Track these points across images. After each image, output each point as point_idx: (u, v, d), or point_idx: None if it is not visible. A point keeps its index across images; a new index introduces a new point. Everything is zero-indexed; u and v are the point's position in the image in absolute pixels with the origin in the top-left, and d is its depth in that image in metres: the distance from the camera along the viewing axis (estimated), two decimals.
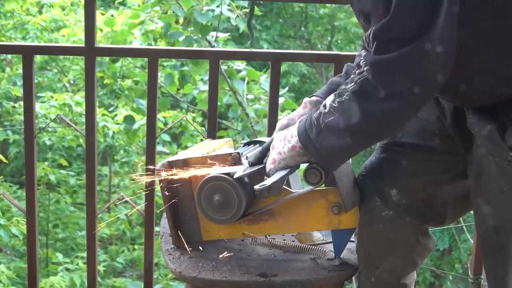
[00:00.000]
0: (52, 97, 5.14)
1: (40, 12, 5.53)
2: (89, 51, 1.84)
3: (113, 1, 5.60)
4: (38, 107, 4.90)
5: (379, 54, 1.16)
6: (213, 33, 3.87)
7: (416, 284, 1.54)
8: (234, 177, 1.37)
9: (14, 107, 5.43)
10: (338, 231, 1.42)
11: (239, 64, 3.99)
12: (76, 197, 5.72)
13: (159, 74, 1.90)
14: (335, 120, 1.21)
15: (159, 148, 5.43)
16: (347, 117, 1.19)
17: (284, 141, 1.31)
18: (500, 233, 1.25)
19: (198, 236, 1.48)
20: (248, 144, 1.57)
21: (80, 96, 5.10)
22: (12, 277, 4.13)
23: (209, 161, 1.42)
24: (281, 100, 3.85)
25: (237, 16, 3.79)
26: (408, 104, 1.19)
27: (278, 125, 1.44)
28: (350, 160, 1.41)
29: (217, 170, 1.40)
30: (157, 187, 1.67)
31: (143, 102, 4.36)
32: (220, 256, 1.43)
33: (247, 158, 1.45)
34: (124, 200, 2.02)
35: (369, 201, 1.40)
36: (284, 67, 7.37)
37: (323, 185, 1.38)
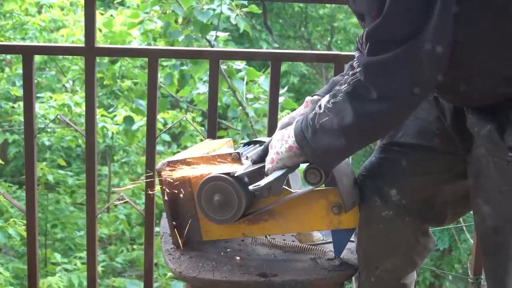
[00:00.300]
0: (51, 97, 5.14)
1: (39, 12, 5.53)
2: (89, 51, 1.83)
3: (112, 1, 5.60)
4: (37, 108, 4.90)
5: (372, 55, 1.17)
6: (213, 33, 3.86)
7: (416, 284, 1.54)
8: (236, 175, 1.37)
9: (13, 107, 5.43)
10: (338, 231, 1.42)
11: (239, 64, 3.99)
12: (75, 197, 5.72)
13: (158, 74, 1.89)
14: (329, 120, 1.22)
15: (159, 148, 5.43)
16: (341, 117, 1.20)
17: (281, 141, 1.32)
18: (499, 233, 1.25)
19: (198, 236, 1.48)
20: (248, 144, 1.57)
21: (79, 97, 5.10)
22: (9, 280, 4.14)
23: (209, 161, 1.42)
24: (280, 99, 3.85)
25: (237, 15, 3.79)
26: (400, 106, 1.19)
27: (280, 123, 1.45)
28: (350, 160, 1.42)
29: (217, 170, 1.41)
30: (157, 187, 1.67)
31: (143, 103, 4.36)
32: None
33: (247, 158, 1.45)
34: (124, 200, 2.02)
35: (369, 201, 1.40)
36: (284, 67, 7.37)
37: (323, 185, 1.38)
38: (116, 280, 5.04)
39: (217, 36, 3.89)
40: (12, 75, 5.40)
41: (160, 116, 4.95)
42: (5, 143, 5.77)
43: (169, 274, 4.74)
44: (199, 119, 5.71)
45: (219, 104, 3.48)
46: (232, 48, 5.10)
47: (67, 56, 5.34)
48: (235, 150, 1.48)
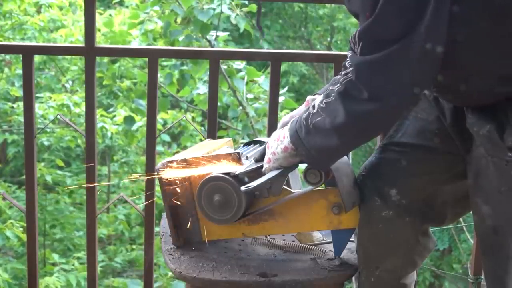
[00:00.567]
0: (50, 97, 5.14)
1: (38, 12, 5.53)
2: (89, 51, 1.83)
3: (111, 1, 5.60)
4: (37, 108, 4.89)
5: (364, 55, 1.17)
6: (213, 32, 3.86)
7: (416, 284, 1.54)
8: (236, 173, 1.37)
9: (12, 107, 5.43)
10: (338, 231, 1.42)
11: (239, 63, 3.99)
12: (74, 197, 5.71)
13: (158, 74, 1.89)
14: (322, 120, 1.23)
15: (158, 148, 5.43)
16: (333, 117, 1.21)
17: (277, 141, 1.32)
18: (499, 233, 1.26)
19: (198, 236, 1.48)
20: (248, 144, 1.57)
21: (78, 97, 5.10)
22: (7, 281, 4.14)
23: (209, 161, 1.42)
24: (281, 99, 3.85)
25: (237, 15, 3.79)
26: (391, 106, 1.19)
27: (280, 122, 1.45)
28: (350, 160, 1.41)
29: (217, 170, 1.41)
30: (157, 187, 1.67)
31: (143, 103, 4.36)
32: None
33: (247, 158, 1.45)
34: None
35: (369, 201, 1.40)
36: (284, 67, 7.37)
37: (323, 185, 1.38)
38: (115, 281, 5.04)
39: (217, 36, 3.89)
40: (12, 75, 5.40)
41: (159, 117, 4.95)
42: (4, 143, 5.77)
43: (170, 274, 4.74)
44: (199, 119, 5.71)
45: (219, 104, 3.49)
46: (232, 48, 5.10)
47: (66, 56, 5.34)
48: (235, 150, 1.48)
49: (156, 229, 2.25)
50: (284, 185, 1.38)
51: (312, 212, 1.41)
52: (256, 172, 1.38)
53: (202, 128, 5.06)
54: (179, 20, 3.98)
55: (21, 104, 5.03)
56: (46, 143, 5.34)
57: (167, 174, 1.44)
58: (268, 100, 1.93)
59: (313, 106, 1.25)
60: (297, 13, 8.36)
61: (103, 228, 5.38)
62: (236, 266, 1.41)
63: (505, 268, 1.27)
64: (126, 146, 5.72)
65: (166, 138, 5.53)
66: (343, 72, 1.22)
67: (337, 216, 1.40)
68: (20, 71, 5.17)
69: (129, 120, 4.67)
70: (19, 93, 5.18)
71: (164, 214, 1.55)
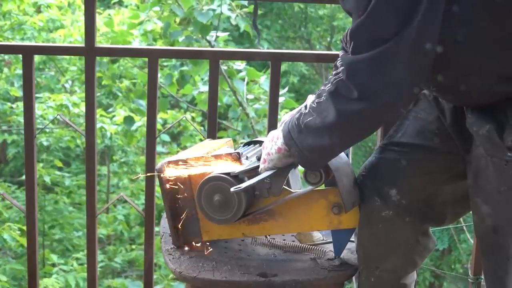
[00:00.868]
0: (49, 97, 5.14)
1: (38, 12, 5.53)
2: (89, 51, 1.83)
3: (110, 1, 5.60)
4: (36, 108, 4.88)
5: (355, 54, 1.17)
6: (213, 33, 3.86)
7: (416, 284, 1.54)
8: (236, 173, 1.37)
9: (12, 107, 5.42)
10: (338, 231, 1.42)
11: (239, 64, 3.99)
12: (73, 197, 5.71)
13: (158, 74, 1.89)
14: (313, 120, 1.23)
15: (158, 148, 5.42)
16: (324, 117, 1.21)
17: (272, 142, 1.33)
18: (498, 233, 1.25)
19: (198, 236, 1.48)
20: (248, 144, 1.57)
21: (77, 97, 5.10)
22: (5, 285, 4.14)
23: (209, 161, 1.42)
24: (281, 99, 3.85)
25: (237, 15, 3.79)
26: (381, 106, 1.19)
27: (281, 122, 1.45)
28: (350, 160, 1.41)
29: (217, 170, 1.41)
30: (157, 187, 1.67)
31: (143, 103, 4.36)
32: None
33: (247, 158, 1.45)
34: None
35: (369, 201, 1.40)
36: (284, 67, 7.37)
37: (323, 185, 1.38)
38: (114, 282, 5.04)
39: (217, 37, 3.90)
40: (11, 75, 5.39)
41: (159, 117, 4.95)
42: (4, 144, 5.77)
43: (171, 275, 4.74)
44: (199, 119, 5.71)
45: (219, 104, 3.49)
46: (232, 48, 5.10)
47: (65, 56, 5.34)
48: (235, 150, 1.48)
49: (156, 229, 2.25)
50: (284, 185, 1.39)
51: (312, 212, 1.41)
52: (256, 172, 1.38)
53: (202, 128, 5.06)
54: (177, 20, 3.98)
55: (20, 104, 5.04)
56: (45, 143, 5.34)
57: (167, 174, 1.44)
58: (268, 100, 1.93)
59: (305, 106, 1.26)
60: (297, 13, 8.36)
61: (103, 228, 5.38)
62: (236, 266, 1.41)
63: (505, 268, 1.27)
64: (126, 146, 5.72)
65: (166, 138, 5.53)
66: (334, 72, 1.22)
67: (337, 216, 1.40)
68: (19, 71, 5.18)
69: (128, 121, 4.67)
70: (19, 93, 5.18)
71: (164, 214, 1.55)
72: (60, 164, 5.57)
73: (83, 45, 1.85)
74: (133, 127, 4.76)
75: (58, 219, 5.44)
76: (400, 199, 1.38)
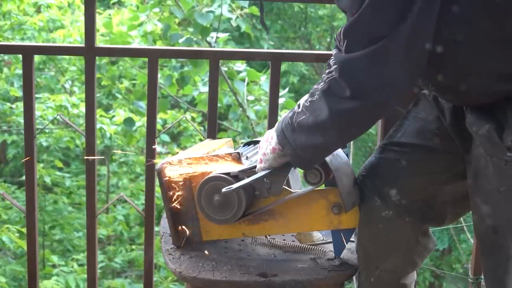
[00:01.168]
0: (49, 98, 5.14)
1: (38, 12, 5.53)
2: (89, 51, 1.83)
3: (110, 1, 5.60)
4: (36, 108, 4.88)
5: (348, 52, 1.17)
6: (213, 34, 3.87)
7: (416, 284, 1.54)
8: (236, 171, 1.37)
9: (11, 108, 5.42)
10: (338, 231, 1.42)
11: (239, 65, 3.99)
12: (73, 198, 5.71)
13: (158, 75, 1.89)
14: (306, 119, 1.23)
15: (158, 148, 5.41)
16: (316, 115, 1.21)
17: (267, 142, 1.33)
18: (498, 233, 1.25)
19: (198, 236, 1.48)
20: (248, 144, 1.57)
21: (77, 98, 5.10)
22: (5, 286, 4.14)
23: (209, 161, 1.42)
24: (281, 100, 3.86)
25: (237, 17, 3.79)
26: (373, 104, 1.19)
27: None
28: (351, 160, 1.41)
29: (217, 170, 1.41)
30: (157, 187, 1.67)
31: (143, 105, 4.36)
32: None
33: (247, 158, 1.45)
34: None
35: (369, 201, 1.40)
36: (283, 67, 7.37)
37: (323, 185, 1.38)
38: (114, 282, 5.04)
39: (217, 38, 3.90)
40: (11, 75, 5.39)
41: (159, 117, 4.95)
42: (4, 144, 5.77)
43: (170, 277, 4.74)
44: (199, 119, 5.71)
45: (219, 105, 3.48)
46: (232, 48, 5.10)
47: (65, 57, 5.34)
48: (235, 150, 1.48)
49: (156, 229, 2.25)
50: (284, 185, 1.39)
51: (312, 212, 1.41)
52: (255, 172, 1.38)
53: (202, 128, 5.06)
54: (177, 20, 3.99)
55: (20, 104, 5.04)
56: (44, 143, 5.34)
57: (167, 174, 1.44)
58: (268, 101, 1.93)
59: (298, 105, 1.26)
60: (297, 13, 8.36)
61: (103, 228, 5.38)
62: (236, 266, 1.41)
63: (505, 268, 1.27)
64: (125, 146, 5.73)
65: (166, 138, 5.53)
66: (327, 71, 1.22)
67: (337, 216, 1.40)
68: (19, 71, 5.19)
69: (129, 122, 4.68)
70: (19, 93, 5.18)
71: (164, 214, 1.55)
72: (60, 165, 5.57)
73: (83, 45, 1.85)
74: (133, 128, 4.76)
75: (58, 220, 5.44)
76: (400, 199, 1.38)
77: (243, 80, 3.92)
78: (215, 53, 1.99)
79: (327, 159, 1.34)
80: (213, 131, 1.89)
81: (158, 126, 4.92)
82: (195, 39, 3.87)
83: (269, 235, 1.52)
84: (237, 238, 1.52)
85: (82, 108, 4.71)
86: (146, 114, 1.94)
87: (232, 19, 3.83)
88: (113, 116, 5.10)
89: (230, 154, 1.42)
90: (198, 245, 1.48)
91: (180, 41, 3.87)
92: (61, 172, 5.67)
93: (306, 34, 8.49)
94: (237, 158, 1.41)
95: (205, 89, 4.02)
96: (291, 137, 1.26)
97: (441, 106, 1.37)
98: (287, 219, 1.42)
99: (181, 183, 1.44)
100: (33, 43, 4.84)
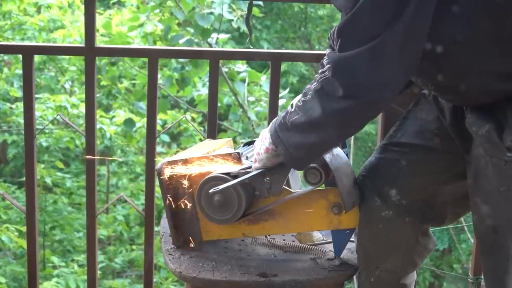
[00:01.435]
0: (49, 98, 5.14)
1: (38, 12, 5.53)
2: (89, 51, 1.83)
3: (110, 1, 5.60)
4: (36, 109, 4.88)
5: (341, 51, 1.17)
6: (214, 35, 3.87)
7: (416, 284, 1.54)
8: (236, 171, 1.37)
9: (11, 108, 5.42)
10: (338, 231, 1.42)
11: (240, 66, 3.99)
12: (72, 198, 5.71)
13: (158, 75, 1.90)
14: (299, 118, 1.23)
15: (158, 149, 5.42)
16: (309, 115, 1.21)
17: (261, 142, 1.34)
18: (498, 233, 1.25)
19: (198, 236, 1.48)
20: (248, 144, 1.57)
21: (76, 98, 5.10)
22: (4, 287, 4.14)
23: (209, 161, 1.42)
24: (282, 101, 3.86)
25: (238, 18, 3.80)
26: (366, 104, 1.19)
27: None
28: (351, 160, 1.41)
29: (217, 170, 1.41)
30: (157, 188, 1.67)
31: (143, 105, 4.37)
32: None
33: (247, 158, 1.45)
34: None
35: (369, 201, 1.40)
36: (283, 67, 7.37)
37: (323, 185, 1.38)
38: (114, 282, 5.04)
39: (218, 39, 3.90)
40: (11, 75, 5.39)
41: (158, 117, 4.95)
42: (4, 144, 5.77)
43: (171, 278, 4.74)
44: (199, 119, 5.71)
45: (219, 105, 3.49)
46: (232, 48, 5.10)
47: (65, 57, 5.34)
48: (235, 150, 1.48)
49: (156, 229, 2.25)
50: (284, 185, 1.39)
51: (312, 212, 1.41)
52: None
53: (202, 129, 5.06)
54: (177, 21, 3.99)
55: (20, 104, 5.04)
56: (44, 144, 5.34)
57: (167, 174, 1.44)
58: (268, 100, 1.93)
59: (291, 105, 1.26)
60: (297, 13, 8.36)
61: (103, 229, 5.38)
62: (236, 266, 1.41)
63: (505, 268, 1.27)
64: (125, 146, 5.73)
65: (166, 139, 5.53)
66: (320, 70, 1.22)
67: (337, 216, 1.40)
68: (19, 71, 5.19)
69: (129, 123, 4.68)
70: (19, 93, 5.18)
71: (164, 214, 1.55)
72: (61, 166, 5.57)
73: (83, 45, 1.85)
74: (133, 128, 4.76)
75: (58, 220, 5.44)
76: (400, 199, 1.38)
77: (244, 80, 3.92)
78: (215, 53, 1.99)
79: (327, 159, 1.34)
80: (213, 131, 1.89)
81: (158, 127, 4.92)
82: (196, 40, 3.88)
83: (269, 235, 1.52)
84: (237, 238, 1.52)
85: (82, 108, 4.71)
86: (146, 115, 1.94)
87: (234, 20, 3.83)
88: (113, 117, 5.10)
89: (230, 154, 1.42)
90: (198, 245, 1.47)
91: (181, 41, 3.87)
92: (61, 173, 5.67)
93: (306, 34, 8.49)
94: (237, 158, 1.41)
95: (205, 90, 4.03)
96: (284, 137, 1.26)
97: (441, 106, 1.37)
98: (287, 219, 1.42)
99: (181, 183, 1.44)
100: (33, 43, 4.84)
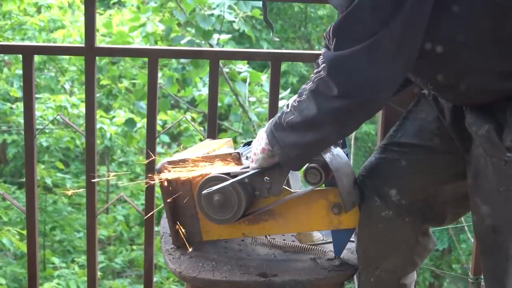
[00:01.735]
0: (49, 98, 5.14)
1: (38, 12, 5.53)
2: (89, 51, 1.83)
3: (110, 1, 5.60)
4: (36, 109, 4.88)
5: (337, 50, 1.16)
6: (215, 36, 3.88)
7: (416, 284, 1.54)
8: (236, 171, 1.37)
9: (11, 108, 5.42)
10: (338, 231, 1.42)
11: (241, 67, 4.00)
12: (72, 198, 5.71)
13: (159, 75, 1.90)
14: (294, 118, 1.23)
15: (158, 149, 5.42)
16: (304, 115, 1.22)
17: (257, 142, 1.34)
18: (498, 233, 1.25)
19: (198, 236, 1.48)
20: (248, 144, 1.57)
21: (76, 98, 5.10)
22: None
23: (209, 161, 1.42)
24: (283, 102, 3.86)
25: (239, 20, 3.80)
26: (360, 104, 1.19)
27: None
28: (351, 160, 1.42)
29: (217, 170, 1.41)
30: (157, 188, 1.67)
31: (143, 105, 4.37)
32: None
33: (247, 158, 1.45)
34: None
35: (369, 201, 1.40)
36: (283, 67, 7.37)
37: (323, 185, 1.38)
38: (114, 283, 5.04)
39: (219, 40, 3.91)
40: (11, 75, 5.39)
41: (158, 117, 4.95)
42: (4, 144, 5.77)
43: (172, 278, 4.74)
44: (200, 119, 5.71)
45: (219, 105, 3.49)
46: (232, 48, 5.11)
47: (65, 57, 5.34)
48: (235, 150, 1.48)
49: (156, 229, 2.25)
50: (284, 185, 1.39)
51: (312, 212, 1.41)
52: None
53: (202, 128, 5.06)
54: (177, 21, 3.99)
55: (20, 104, 5.04)
56: (44, 144, 5.34)
57: (167, 174, 1.44)
58: (268, 100, 1.93)
59: (287, 105, 1.27)
60: (297, 13, 8.36)
61: (103, 229, 5.38)
62: (236, 266, 1.41)
63: (505, 268, 1.27)
64: (125, 146, 5.73)
65: (165, 139, 5.53)
66: (315, 70, 1.22)
67: (337, 216, 1.40)
68: (19, 71, 5.19)
69: (130, 123, 4.68)
70: (19, 93, 5.18)
71: (164, 214, 1.55)
72: (61, 166, 5.57)
73: (83, 45, 1.85)
74: (134, 129, 4.76)
75: (59, 220, 5.44)
76: (400, 199, 1.38)
77: (245, 80, 3.92)
78: (215, 53, 1.99)
79: (327, 159, 1.34)
80: (213, 131, 1.89)
81: (158, 127, 4.92)
82: (197, 41, 3.88)
83: (269, 235, 1.52)
84: (237, 238, 1.52)
85: (82, 108, 4.71)
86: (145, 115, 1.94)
87: (235, 22, 3.84)
88: (114, 117, 5.10)
89: (230, 154, 1.42)
90: (198, 245, 1.48)
91: (182, 42, 3.88)
92: (62, 173, 5.67)
93: (306, 34, 8.49)
94: (237, 158, 1.41)
95: (205, 90, 4.03)
96: (280, 137, 1.26)
97: (441, 106, 1.37)
98: (287, 219, 1.42)
99: (181, 183, 1.44)
100: (33, 43, 4.84)
